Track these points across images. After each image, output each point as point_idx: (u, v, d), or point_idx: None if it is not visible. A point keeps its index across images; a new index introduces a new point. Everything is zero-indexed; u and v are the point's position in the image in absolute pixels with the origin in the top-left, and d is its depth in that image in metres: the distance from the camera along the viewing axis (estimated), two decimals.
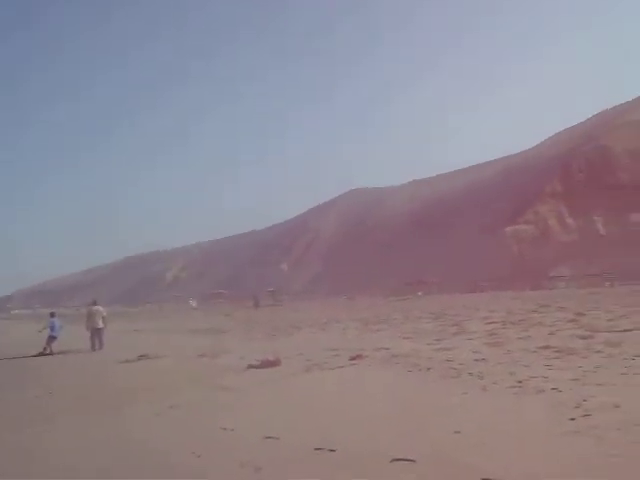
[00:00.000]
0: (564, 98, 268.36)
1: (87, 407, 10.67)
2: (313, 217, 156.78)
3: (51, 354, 21.55)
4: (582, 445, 6.17)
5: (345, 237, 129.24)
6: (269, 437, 7.24)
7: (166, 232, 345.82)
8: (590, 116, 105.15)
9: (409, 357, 13.40)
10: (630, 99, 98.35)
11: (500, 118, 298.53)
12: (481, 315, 24.07)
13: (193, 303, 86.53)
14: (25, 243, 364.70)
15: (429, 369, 11.57)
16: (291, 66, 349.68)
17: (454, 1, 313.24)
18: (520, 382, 9.38)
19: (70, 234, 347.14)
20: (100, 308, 23.13)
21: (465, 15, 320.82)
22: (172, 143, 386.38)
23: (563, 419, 7.07)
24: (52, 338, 22.23)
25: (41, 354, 21.43)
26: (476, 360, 12.10)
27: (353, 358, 13.83)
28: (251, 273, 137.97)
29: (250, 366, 13.74)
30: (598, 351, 11.91)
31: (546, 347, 13.02)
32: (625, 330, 14.87)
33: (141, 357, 17.68)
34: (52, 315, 23.89)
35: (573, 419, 7.00)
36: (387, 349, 15.15)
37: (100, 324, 22.35)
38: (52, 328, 22.58)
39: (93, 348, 21.83)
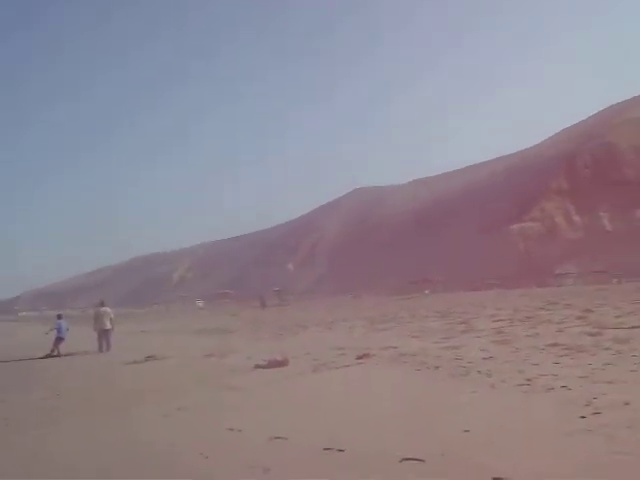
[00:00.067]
0: (564, 98, 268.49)
1: (94, 409, 10.64)
2: (318, 217, 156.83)
3: (58, 356, 21.57)
4: (592, 443, 6.11)
5: (350, 236, 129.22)
6: (277, 437, 7.20)
7: (170, 233, 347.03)
8: (594, 113, 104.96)
9: (417, 356, 13.35)
10: (634, 95, 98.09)
11: (500, 118, 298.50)
12: (488, 313, 23.99)
13: (200, 303, 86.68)
14: (29, 244, 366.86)
15: (437, 368, 11.52)
16: (291, 66, 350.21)
17: (454, 1, 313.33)
18: (529, 380, 9.33)
19: (73, 235, 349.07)
20: (107, 309, 23.11)
21: (465, 15, 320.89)
22: (172, 143, 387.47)
23: (573, 417, 7.01)
24: (59, 340, 22.24)
25: (48, 356, 21.44)
26: (484, 358, 12.05)
27: (360, 357, 13.78)
28: (257, 273, 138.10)
29: (257, 366, 13.72)
30: (607, 348, 11.84)
31: (554, 345, 12.96)
32: (633, 327, 14.79)
33: (148, 358, 17.66)
34: (59, 317, 23.93)
35: (583, 417, 6.94)
36: (394, 348, 15.10)
37: (108, 325, 22.33)
38: (59, 330, 22.60)
39: (100, 349, 21.83)
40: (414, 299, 49.41)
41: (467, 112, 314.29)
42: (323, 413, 8.69)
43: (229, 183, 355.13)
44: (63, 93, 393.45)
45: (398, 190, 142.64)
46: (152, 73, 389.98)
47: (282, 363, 13.67)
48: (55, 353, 21.77)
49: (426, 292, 63.63)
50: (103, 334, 22.19)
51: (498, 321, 20.03)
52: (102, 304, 23.69)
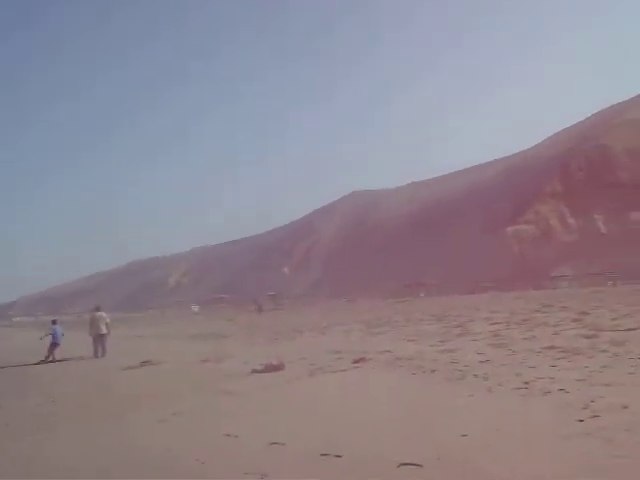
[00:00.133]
0: (564, 98, 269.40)
1: (89, 414, 10.60)
2: (314, 221, 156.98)
3: (53, 361, 21.50)
4: (590, 447, 6.09)
5: (345, 240, 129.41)
6: (274, 443, 7.16)
7: (167, 236, 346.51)
8: (589, 115, 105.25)
9: (413, 359, 13.32)
10: (628, 98, 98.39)
11: (500, 118, 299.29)
12: (484, 316, 23.98)
13: (195, 308, 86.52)
14: (26, 249, 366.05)
15: (433, 371, 11.49)
16: (291, 66, 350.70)
17: (454, 1, 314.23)
18: (526, 383, 9.31)
19: (70, 238, 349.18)
20: (103, 314, 23.03)
21: (465, 15, 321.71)
22: (172, 143, 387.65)
23: (571, 420, 6.99)
24: (54, 345, 22.18)
25: (43, 362, 21.36)
26: (481, 361, 12.03)
27: (356, 361, 13.76)
28: (252, 277, 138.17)
29: (254, 371, 13.69)
30: (603, 350, 11.83)
31: (551, 347, 12.95)
32: (629, 329, 14.79)
33: (144, 363, 17.60)
34: (54, 322, 23.86)
35: (581, 420, 6.92)
36: (390, 352, 15.06)
37: (103, 330, 22.25)
38: (54, 335, 22.54)
39: (96, 355, 21.75)
40: (409, 302, 49.41)
41: (467, 112, 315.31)
42: (320, 417, 8.66)
43: (229, 183, 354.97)
44: (63, 93, 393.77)
45: (393, 194, 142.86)
46: (152, 73, 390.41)
47: (278, 367, 13.63)
48: (50, 359, 21.70)
49: (421, 295, 63.68)
50: (99, 339, 22.10)
51: (494, 324, 20.01)
52: (98, 309, 23.63)
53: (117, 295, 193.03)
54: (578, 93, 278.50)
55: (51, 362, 21.41)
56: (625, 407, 7.34)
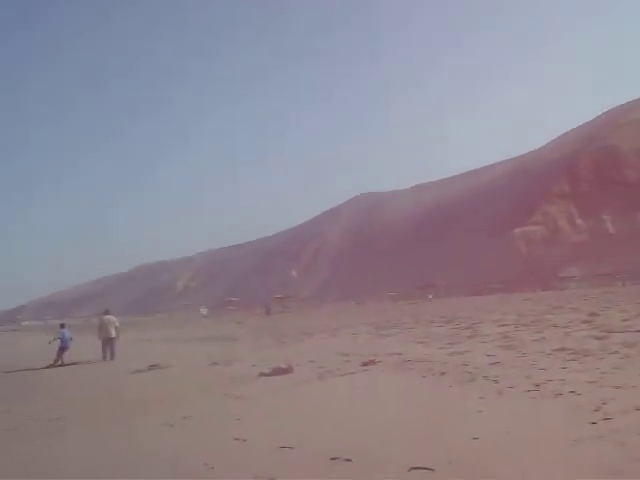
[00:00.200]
0: (564, 98, 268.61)
1: (98, 418, 10.57)
2: (320, 224, 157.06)
3: (62, 365, 21.51)
4: (603, 450, 6.01)
5: (352, 243, 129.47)
6: (283, 447, 7.10)
7: (173, 240, 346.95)
8: (595, 116, 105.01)
9: (423, 362, 13.26)
10: (634, 98, 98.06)
11: (500, 118, 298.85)
12: (493, 317, 23.90)
13: (203, 311, 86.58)
14: (33, 254, 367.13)
15: (443, 374, 11.43)
16: (291, 66, 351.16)
17: (454, 1, 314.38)
18: (537, 385, 9.24)
19: (78, 243, 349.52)
20: (112, 318, 23.02)
21: (465, 15, 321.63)
22: (172, 143, 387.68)
23: (583, 423, 6.92)
24: (63, 349, 22.20)
25: (52, 366, 21.37)
26: (491, 364, 11.96)
27: (365, 364, 13.70)
28: (260, 280, 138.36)
29: (262, 374, 13.63)
30: (615, 352, 11.75)
31: (561, 349, 12.87)
32: None
33: (152, 367, 17.58)
34: (62, 326, 23.88)
35: (594, 423, 6.84)
36: (399, 354, 15.01)
37: (113, 334, 22.25)
38: (62, 339, 22.56)
39: (104, 358, 21.75)
40: (417, 304, 49.39)
41: (467, 112, 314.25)
42: (329, 421, 8.61)
43: (229, 183, 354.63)
44: (63, 93, 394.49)
45: (399, 196, 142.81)
46: (152, 73, 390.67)
47: (287, 371, 13.59)
48: (59, 363, 21.71)
49: (429, 297, 63.56)
50: (108, 343, 22.11)
51: (503, 326, 19.93)
52: (107, 312, 23.62)
53: (125, 299, 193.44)
54: (579, 93, 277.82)
55: (60, 366, 21.42)
56: (638, 409, 7.25)
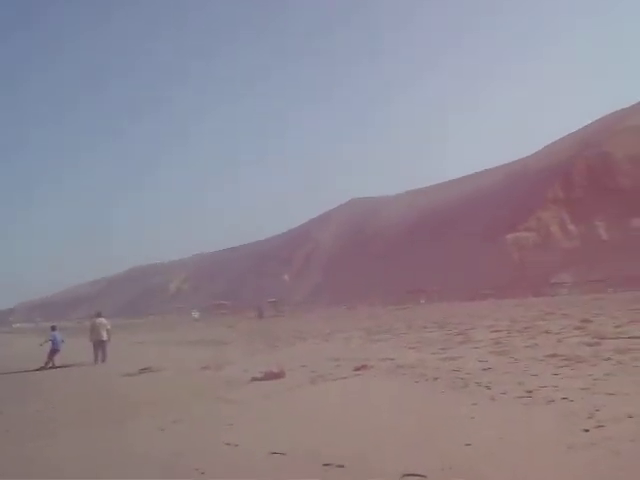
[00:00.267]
0: (564, 98, 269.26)
1: (89, 421, 10.54)
2: (313, 227, 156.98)
3: (53, 367, 21.42)
4: (596, 457, 6.01)
5: (345, 247, 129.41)
6: (275, 452, 7.07)
7: (167, 241, 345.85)
8: (590, 122, 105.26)
9: (415, 367, 13.24)
10: (630, 105, 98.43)
11: (500, 118, 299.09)
12: (485, 323, 23.90)
13: (195, 314, 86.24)
14: (25, 255, 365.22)
15: (436, 379, 11.40)
16: (291, 66, 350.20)
17: (454, 1, 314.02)
18: (530, 392, 9.22)
19: (70, 244, 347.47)
20: (104, 320, 22.97)
21: (465, 15, 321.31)
22: (172, 143, 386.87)
23: (576, 430, 6.90)
24: (54, 351, 22.10)
25: (43, 368, 21.27)
26: (483, 369, 11.95)
27: (358, 369, 13.67)
28: (252, 284, 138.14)
29: (254, 378, 13.59)
30: (607, 359, 11.74)
31: (554, 355, 12.85)
32: (634, 337, 14.68)
33: (144, 370, 17.52)
34: (53, 329, 23.77)
35: (587, 430, 6.83)
36: (392, 359, 14.97)
37: (104, 336, 22.19)
38: (53, 342, 22.46)
39: (96, 361, 21.67)
40: (409, 309, 49.36)
41: (467, 112, 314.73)
42: (321, 426, 8.58)
43: (229, 183, 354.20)
44: (63, 93, 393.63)
45: (392, 201, 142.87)
46: (152, 73, 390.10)
47: (278, 375, 13.54)
48: (50, 365, 21.62)
49: (421, 302, 63.59)
50: (99, 345, 22.03)
51: (496, 332, 19.92)
52: (98, 315, 23.57)
53: (118, 301, 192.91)
54: (578, 93, 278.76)
55: (51, 368, 21.33)
56: (630, 417, 7.24)
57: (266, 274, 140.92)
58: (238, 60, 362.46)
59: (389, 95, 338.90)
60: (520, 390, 9.44)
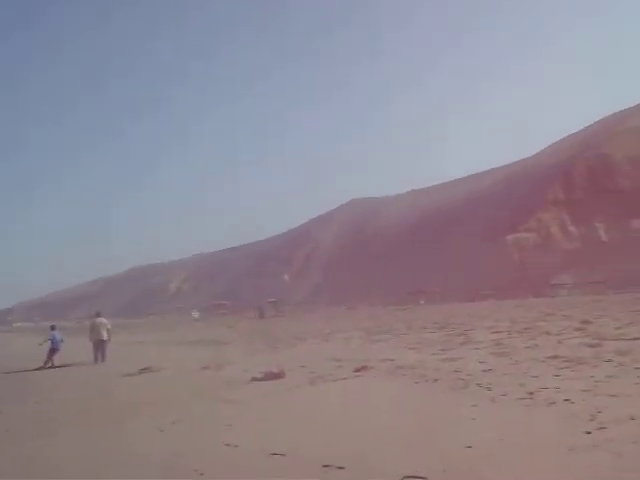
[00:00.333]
0: (564, 98, 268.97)
1: (89, 421, 10.52)
2: (313, 227, 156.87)
3: (52, 367, 21.39)
4: (598, 459, 5.97)
5: (345, 247, 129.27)
6: (275, 453, 7.03)
7: (167, 241, 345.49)
8: (590, 123, 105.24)
9: (415, 368, 13.20)
10: (630, 106, 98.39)
11: (500, 118, 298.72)
12: (485, 324, 23.85)
13: (195, 314, 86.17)
14: (25, 254, 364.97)
15: (436, 380, 11.37)
16: (291, 66, 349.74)
17: (454, 1, 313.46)
18: (531, 393, 9.18)
19: (70, 244, 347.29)
20: (104, 320, 22.94)
21: (465, 15, 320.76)
22: (172, 143, 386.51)
23: (577, 432, 6.87)
24: (53, 351, 22.06)
25: (42, 368, 21.24)
26: (484, 371, 11.91)
27: (358, 370, 13.63)
28: (252, 284, 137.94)
29: (254, 379, 13.57)
30: (608, 360, 11.70)
31: (555, 357, 12.81)
32: (635, 338, 14.64)
33: (144, 370, 17.50)
34: (53, 328, 23.74)
35: (589, 432, 6.79)
36: (392, 360, 14.93)
37: (104, 336, 22.16)
38: (53, 341, 22.42)
39: (96, 361, 21.63)
40: (409, 310, 49.32)
41: (467, 112, 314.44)
42: (321, 427, 8.55)
43: (229, 183, 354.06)
44: (63, 93, 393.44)
45: (393, 201, 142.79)
46: (152, 73, 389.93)
47: (278, 375, 13.52)
48: (49, 365, 21.59)
49: (421, 302, 63.54)
50: (99, 345, 22.00)
51: (496, 332, 19.88)
52: (98, 315, 23.54)
53: (118, 301, 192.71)
54: (578, 93, 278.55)
55: (50, 368, 21.30)
56: (632, 419, 7.20)
57: (266, 274, 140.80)
58: (238, 60, 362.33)
59: (389, 95, 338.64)
60: (521, 391, 9.40)
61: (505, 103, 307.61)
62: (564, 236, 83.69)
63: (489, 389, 9.89)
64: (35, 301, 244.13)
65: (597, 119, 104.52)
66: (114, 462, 7.50)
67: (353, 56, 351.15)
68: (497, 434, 7.16)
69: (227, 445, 7.70)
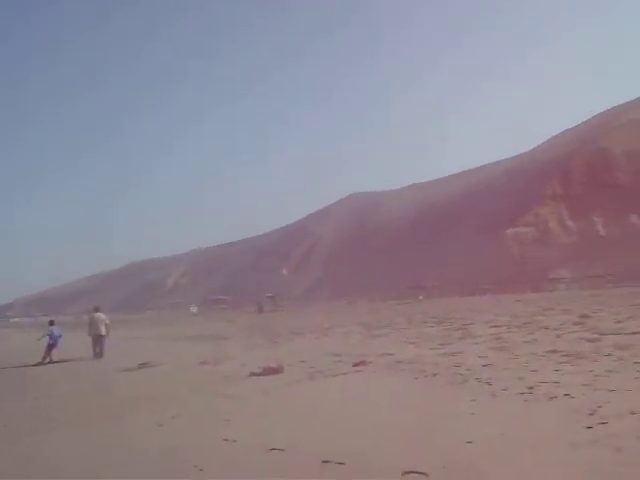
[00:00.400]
0: (564, 98, 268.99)
1: (88, 417, 10.46)
2: (313, 222, 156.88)
3: (51, 362, 21.34)
4: (599, 454, 5.94)
5: (345, 242, 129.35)
6: (274, 449, 6.99)
7: (166, 237, 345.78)
8: (588, 118, 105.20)
9: (414, 363, 13.17)
10: (628, 100, 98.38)
11: (500, 118, 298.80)
12: (485, 319, 23.84)
13: (194, 309, 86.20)
14: (24, 250, 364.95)
15: (435, 375, 11.34)
16: (291, 66, 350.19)
17: (454, 1, 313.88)
18: (530, 388, 9.15)
19: (69, 240, 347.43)
20: (102, 315, 22.89)
21: (465, 15, 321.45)
22: (172, 143, 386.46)
23: (578, 427, 6.83)
24: (51, 346, 22.01)
25: (40, 363, 21.18)
26: (483, 365, 11.88)
27: (357, 364, 13.60)
28: (250, 279, 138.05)
29: (252, 374, 13.52)
30: (608, 354, 11.69)
31: (554, 351, 12.80)
32: (634, 332, 14.64)
33: (142, 365, 17.45)
34: (51, 323, 23.67)
35: (590, 427, 6.75)
36: (391, 355, 14.92)
37: (103, 331, 22.11)
38: (51, 336, 22.36)
39: (95, 355, 21.59)
40: (409, 305, 49.31)
41: (467, 112, 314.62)
42: (320, 422, 8.51)
43: (229, 183, 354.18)
44: (63, 93, 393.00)
45: (393, 195, 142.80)
46: (152, 73, 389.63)
47: (277, 370, 13.48)
48: (47, 360, 21.53)
49: (420, 297, 63.53)
50: (98, 340, 21.96)
51: (495, 327, 19.88)
52: (97, 310, 23.49)
53: (116, 296, 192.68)
54: (578, 93, 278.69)
55: (49, 363, 21.25)
56: (633, 413, 7.18)
57: (264, 269, 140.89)
58: (238, 60, 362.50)
59: (389, 95, 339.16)
60: (521, 386, 9.37)
61: (505, 103, 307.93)
62: (562, 230, 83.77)
63: (489, 384, 9.86)
64: (34, 296, 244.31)
65: (595, 114, 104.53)
66: (113, 457, 7.47)
67: (353, 56, 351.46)
68: (497, 429, 7.13)
69: (226, 440, 7.66)
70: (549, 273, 70.57)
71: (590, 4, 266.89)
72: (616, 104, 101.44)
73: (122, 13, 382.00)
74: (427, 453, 6.41)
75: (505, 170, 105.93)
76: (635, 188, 76.64)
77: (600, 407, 7.56)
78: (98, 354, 21.65)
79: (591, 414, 7.31)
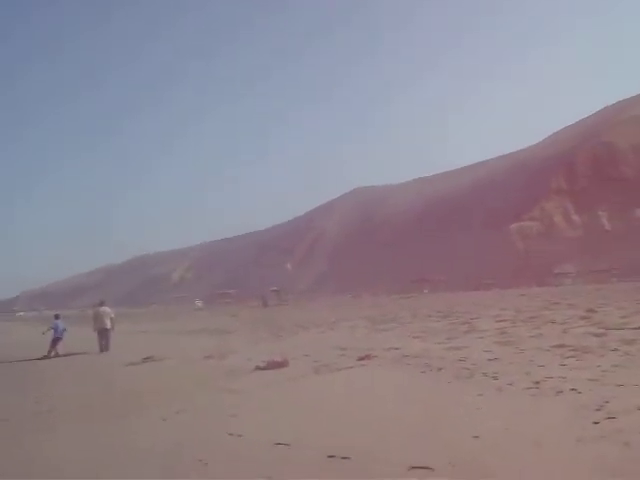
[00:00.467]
0: (564, 98, 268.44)
1: (91, 412, 10.46)
2: (317, 216, 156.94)
3: (56, 356, 21.37)
4: (606, 450, 5.88)
5: (350, 236, 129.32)
6: (279, 443, 6.96)
7: (170, 233, 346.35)
8: (593, 112, 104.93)
9: (420, 357, 13.12)
10: (632, 95, 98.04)
11: (500, 118, 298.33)
12: (490, 313, 23.78)
13: (199, 304, 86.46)
14: (28, 244, 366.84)
15: (441, 369, 11.29)
16: (291, 66, 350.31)
17: (454, 1, 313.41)
18: (537, 383, 9.09)
19: (73, 235, 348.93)
20: (107, 309, 22.90)
21: (465, 15, 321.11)
22: (172, 143, 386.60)
23: (585, 422, 6.78)
24: (56, 340, 22.04)
25: (45, 357, 21.22)
26: (489, 360, 11.82)
27: (362, 358, 13.56)
28: (255, 273, 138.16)
29: (257, 368, 13.49)
30: (614, 349, 11.61)
31: (560, 345, 12.73)
32: None
33: (147, 359, 17.45)
34: (56, 317, 23.73)
35: (597, 423, 6.70)
36: (397, 349, 14.88)
37: (108, 325, 22.13)
38: (56, 330, 22.40)
39: (101, 349, 21.60)
40: (414, 298, 49.25)
41: (467, 112, 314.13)
42: (326, 416, 8.48)
43: (229, 183, 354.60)
44: (63, 93, 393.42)
45: (399, 189, 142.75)
46: (152, 73, 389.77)
47: (282, 364, 13.45)
48: (52, 354, 21.56)
49: (425, 291, 63.51)
50: (103, 334, 21.97)
51: (501, 321, 19.82)
52: (102, 304, 23.47)
53: (120, 290, 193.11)
54: (578, 93, 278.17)
55: (54, 357, 21.28)
56: None
57: (269, 263, 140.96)
58: (238, 60, 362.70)
59: (389, 95, 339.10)
60: (527, 381, 9.32)
61: (505, 103, 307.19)
62: (567, 225, 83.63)
63: (495, 378, 9.81)
64: (39, 290, 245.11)
65: (599, 109, 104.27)
66: (117, 453, 7.44)
67: (353, 56, 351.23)
68: (503, 424, 7.09)
69: (231, 435, 7.64)
70: (554, 267, 70.46)
71: (590, 4, 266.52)
72: (620, 99, 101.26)
73: (122, 13, 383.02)
74: (433, 448, 6.37)
75: (510, 165, 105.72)
76: None
77: (607, 402, 7.50)
78: (104, 347, 21.66)
79: (598, 409, 7.25)
